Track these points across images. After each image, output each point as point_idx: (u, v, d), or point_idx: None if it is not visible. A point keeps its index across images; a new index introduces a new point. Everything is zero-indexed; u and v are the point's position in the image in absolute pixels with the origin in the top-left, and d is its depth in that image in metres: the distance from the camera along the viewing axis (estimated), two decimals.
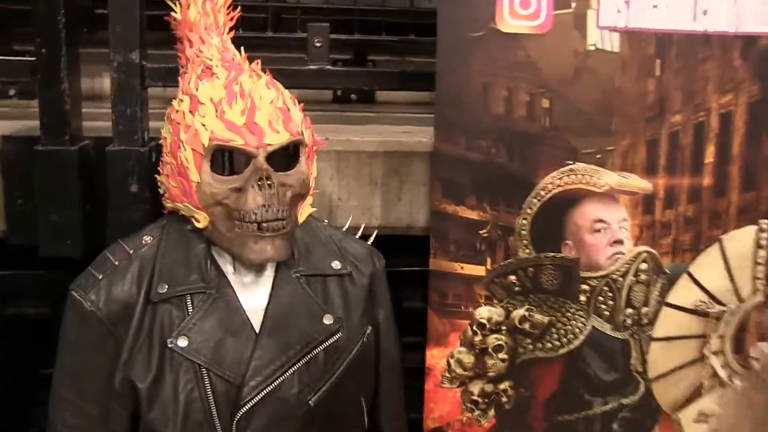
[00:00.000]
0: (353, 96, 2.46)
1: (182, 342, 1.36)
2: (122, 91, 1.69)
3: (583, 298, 1.73)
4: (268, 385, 1.36)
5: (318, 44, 1.76)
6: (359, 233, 1.64)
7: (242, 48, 1.52)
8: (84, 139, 1.78)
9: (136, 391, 1.36)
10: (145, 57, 1.72)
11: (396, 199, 1.88)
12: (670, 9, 1.66)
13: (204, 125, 1.35)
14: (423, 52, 1.93)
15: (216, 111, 1.35)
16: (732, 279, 1.78)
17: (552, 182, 1.69)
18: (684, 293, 1.77)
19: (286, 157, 1.42)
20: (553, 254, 1.71)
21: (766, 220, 1.76)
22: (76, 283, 1.41)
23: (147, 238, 1.45)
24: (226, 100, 1.36)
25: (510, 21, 1.62)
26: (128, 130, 1.70)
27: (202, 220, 1.39)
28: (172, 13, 1.56)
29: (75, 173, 1.71)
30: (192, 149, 1.36)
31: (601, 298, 1.73)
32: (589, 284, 1.73)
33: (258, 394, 1.35)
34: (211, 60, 1.47)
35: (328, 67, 1.80)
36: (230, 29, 1.58)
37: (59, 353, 1.43)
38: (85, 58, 1.83)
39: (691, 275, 1.77)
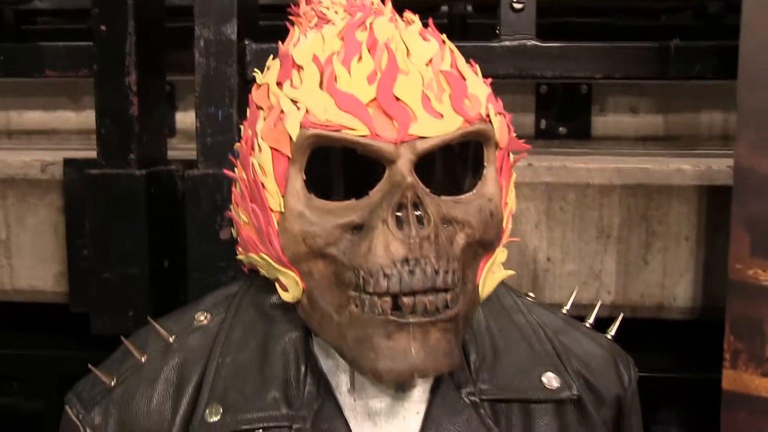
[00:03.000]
0: (562, 129, 1.95)
1: None
2: (212, 84, 1.11)
3: None
4: None
5: (518, 5, 1.03)
6: (592, 317, 0.86)
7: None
8: (164, 162, 1.20)
9: None
10: (249, 34, 1.08)
11: (641, 262, 1.26)
12: None
13: (295, 102, 0.69)
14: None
15: (322, 77, 0.69)
16: None
17: None
18: None
19: (456, 168, 0.76)
20: None
21: None
22: (75, 392, 0.80)
23: (202, 317, 0.80)
24: (341, 56, 0.70)
25: None
26: (219, 143, 1.09)
27: (291, 288, 0.73)
28: None
29: (142, 208, 1.20)
30: (272, 148, 0.70)
31: None
32: None
33: None
34: (328, 9, 0.79)
35: (534, 42, 1.07)
36: None
37: None
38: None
39: None
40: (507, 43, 1.12)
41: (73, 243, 1.26)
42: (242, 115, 1.13)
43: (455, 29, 1.92)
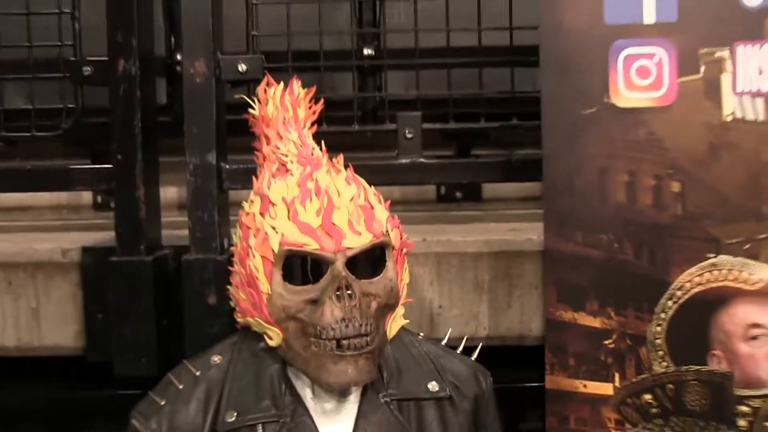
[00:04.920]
0: (458, 194, 2.35)
1: None
2: (198, 195, 1.55)
3: (742, 423, 1.42)
4: None
5: (409, 135, 1.55)
6: (461, 346, 1.36)
7: (324, 142, 1.34)
8: (162, 248, 1.63)
9: None
10: (224, 159, 1.56)
11: (505, 306, 1.67)
12: None
13: (274, 228, 1.15)
14: (530, 143, 1.71)
15: (288, 212, 1.16)
16: None
17: (690, 280, 1.42)
18: None
19: (371, 262, 1.21)
20: (697, 368, 1.43)
21: None
22: (137, 409, 1.23)
23: (216, 358, 1.25)
24: (299, 199, 1.16)
25: (627, 93, 1.39)
26: (205, 237, 1.55)
27: (274, 338, 1.18)
28: (250, 110, 1.41)
29: (150, 285, 1.57)
30: (261, 256, 1.16)
31: (767, 424, 1.41)
32: (749, 405, 1.41)
33: None
34: (286, 156, 1.28)
35: (421, 160, 1.58)
36: (312, 124, 1.39)
37: None
38: (170, 167, 1.72)
39: None
40: (403, 160, 1.60)
41: (89, 309, 1.66)
42: (221, 215, 1.55)
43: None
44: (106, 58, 1.59)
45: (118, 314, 1.56)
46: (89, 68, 1.62)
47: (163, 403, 1.21)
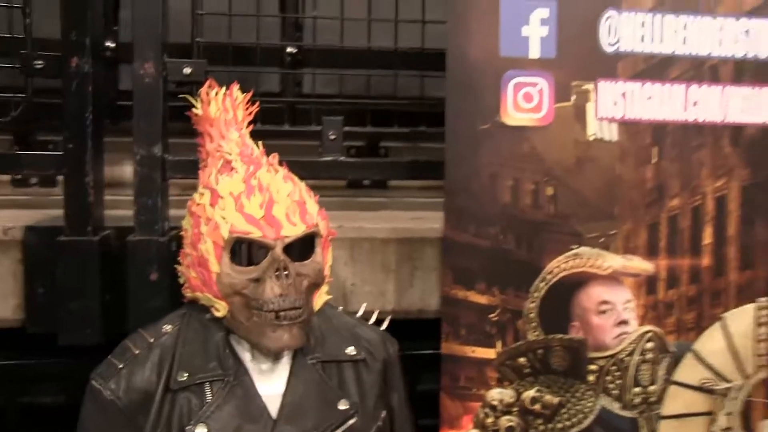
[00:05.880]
0: (366, 182, 2.49)
1: (201, 430, 1.32)
2: (144, 183, 1.70)
3: (591, 378, 1.70)
4: None
5: (332, 137, 1.78)
6: (373, 319, 1.62)
7: (260, 139, 1.53)
8: (105, 229, 1.78)
9: None
10: (167, 151, 1.73)
11: (408, 285, 1.88)
12: (663, 100, 1.68)
13: (224, 218, 1.34)
14: (434, 139, 1.95)
15: (235, 204, 1.35)
16: (736, 356, 1.76)
17: (558, 266, 1.67)
18: (690, 371, 1.74)
19: (302, 247, 1.40)
20: (561, 336, 1.68)
21: (764, 298, 1.75)
22: (96, 372, 1.38)
23: (167, 327, 1.42)
24: (245, 194, 1.35)
25: (514, 114, 1.63)
26: (149, 220, 1.70)
27: (221, 310, 1.37)
28: (193, 109, 1.57)
29: (96, 263, 1.70)
30: (212, 241, 1.35)
31: (609, 378, 1.70)
32: (597, 364, 1.70)
33: None
34: (230, 155, 1.47)
35: (342, 158, 1.82)
36: (248, 123, 1.59)
37: None
38: (107, 147, 1.84)
39: (695, 353, 1.75)
40: (326, 158, 1.82)
41: (31, 285, 1.77)
42: (163, 201, 1.72)
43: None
44: (59, 54, 1.70)
45: (65, 289, 1.69)
46: (41, 62, 1.75)
47: (121, 366, 1.36)
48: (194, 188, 1.48)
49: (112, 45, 2.05)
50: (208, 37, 1.92)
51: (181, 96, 1.64)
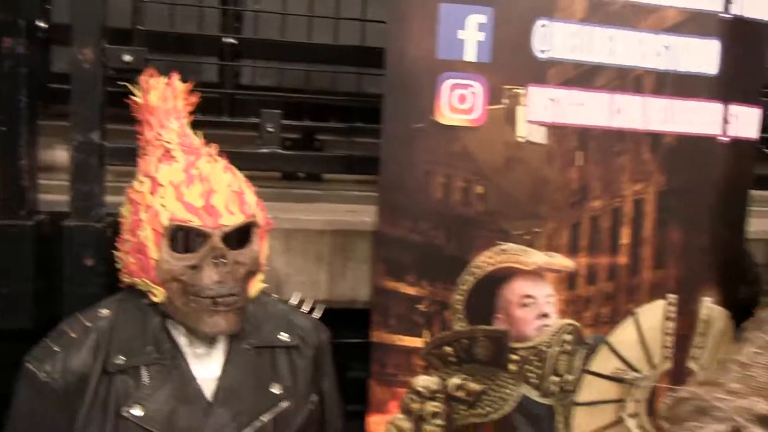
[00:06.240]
0: (301, 174, 2.49)
1: (137, 411, 1.35)
2: (81, 169, 1.71)
3: (513, 367, 1.78)
4: None
5: (270, 129, 1.82)
6: (306, 308, 1.67)
7: (199, 129, 1.55)
8: (40, 213, 1.78)
9: None
10: (105, 137, 1.75)
11: (341, 276, 1.93)
12: (590, 107, 1.78)
13: (164, 206, 1.38)
14: (370, 134, 2.01)
15: (175, 193, 1.38)
16: (645, 348, 1.87)
17: (485, 261, 1.74)
18: (603, 361, 1.84)
19: (240, 236, 1.45)
20: (485, 327, 1.75)
21: (673, 295, 1.87)
22: (31, 354, 1.39)
23: (104, 312, 1.45)
24: (185, 183, 1.39)
25: (448, 114, 1.68)
26: (85, 206, 1.71)
27: (159, 295, 1.41)
28: (133, 97, 1.58)
29: (30, 247, 1.70)
30: (152, 228, 1.38)
31: (529, 367, 1.79)
32: (518, 354, 1.78)
33: None
34: (170, 144, 1.50)
35: (279, 150, 1.86)
36: (189, 113, 1.62)
37: (10, 427, 1.40)
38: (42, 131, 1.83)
39: (610, 345, 1.85)
40: (264, 150, 1.86)
41: None
42: (100, 187, 1.75)
43: None
44: None
45: None
46: None
47: (57, 349, 1.38)
48: (129, 175, 1.50)
49: (45, 25, 2.03)
50: (149, 25, 1.93)
51: (120, 83, 1.66)
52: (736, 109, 1.92)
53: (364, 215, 1.97)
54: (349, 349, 1.89)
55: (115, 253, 1.49)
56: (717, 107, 1.88)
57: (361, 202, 2.14)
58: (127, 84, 1.62)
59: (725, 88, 1.88)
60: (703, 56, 1.84)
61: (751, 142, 1.98)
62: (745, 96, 1.94)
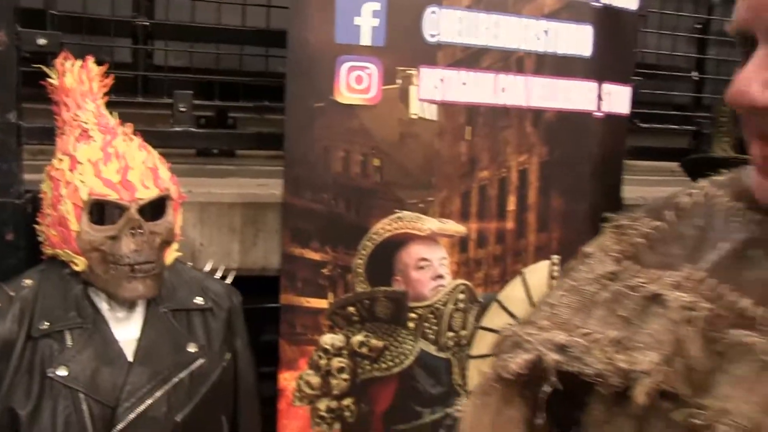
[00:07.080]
0: (215, 150, 2.60)
1: (62, 372, 1.49)
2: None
3: (411, 324, 1.94)
4: (140, 406, 1.52)
5: (183, 109, 1.95)
6: (218, 275, 1.82)
7: (115, 109, 1.66)
8: None
9: (16, 419, 1.46)
10: (21, 117, 1.84)
11: (252, 245, 2.05)
12: (476, 86, 1.97)
13: (83, 182, 1.50)
14: (278, 112, 2.14)
15: (94, 170, 1.50)
16: (532, 304, 2.10)
17: (383, 228, 1.88)
18: (494, 318, 2.04)
19: (155, 209, 1.58)
20: (385, 288, 1.90)
21: (556, 256, 2.09)
22: None
23: (27, 282, 1.56)
24: (102, 160, 1.52)
25: (346, 94, 1.83)
26: (4, 184, 1.79)
27: (80, 264, 1.53)
28: (49, 79, 1.67)
29: None
30: (72, 203, 1.51)
31: (426, 324, 1.97)
32: (416, 313, 1.95)
33: (131, 414, 1.51)
34: (87, 124, 1.62)
35: (192, 129, 1.99)
36: (104, 94, 1.74)
37: None
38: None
39: (500, 302, 2.05)
40: (177, 128, 1.99)
41: None
42: (19, 167, 1.84)
43: None
44: None
45: None
46: None
47: None
48: (43, 153, 1.60)
49: None
50: (62, 7, 2.02)
51: (35, 66, 1.75)
52: (609, 88, 2.15)
53: (273, 188, 2.07)
54: (262, 314, 2.00)
55: (36, 227, 1.61)
56: (592, 86, 2.10)
57: (272, 177, 2.24)
58: (42, 67, 1.71)
59: (599, 68, 2.11)
60: (579, 40, 2.06)
61: (623, 117, 2.23)
62: (617, 76, 2.18)
